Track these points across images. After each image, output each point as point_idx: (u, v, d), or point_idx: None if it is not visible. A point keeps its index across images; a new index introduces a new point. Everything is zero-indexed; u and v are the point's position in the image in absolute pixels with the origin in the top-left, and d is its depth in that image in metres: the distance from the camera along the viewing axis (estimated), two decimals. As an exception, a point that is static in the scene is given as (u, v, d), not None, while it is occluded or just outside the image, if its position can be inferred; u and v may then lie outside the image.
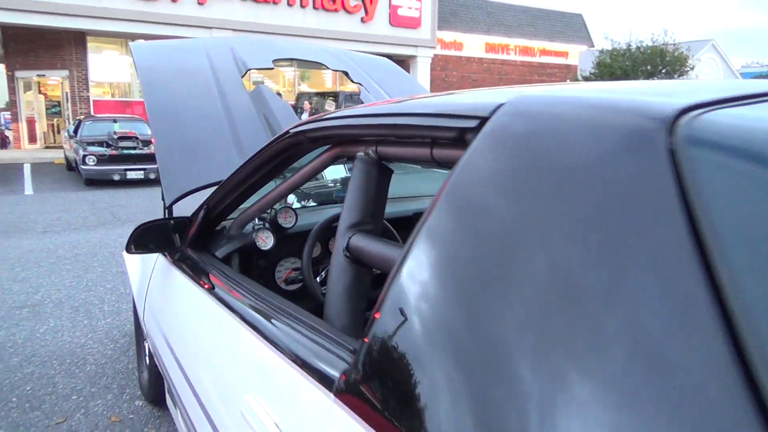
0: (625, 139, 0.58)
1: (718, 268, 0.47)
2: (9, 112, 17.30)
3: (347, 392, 0.78)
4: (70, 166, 11.87)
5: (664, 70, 23.99)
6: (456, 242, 0.70)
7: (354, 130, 1.19)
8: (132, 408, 2.48)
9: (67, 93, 16.56)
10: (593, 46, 27.98)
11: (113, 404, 2.51)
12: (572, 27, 27.45)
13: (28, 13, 13.59)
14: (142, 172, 10.20)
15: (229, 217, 1.82)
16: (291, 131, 1.36)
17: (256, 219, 1.89)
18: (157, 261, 2.01)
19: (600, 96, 0.70)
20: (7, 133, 17.96)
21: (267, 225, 1.93)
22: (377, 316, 0.76)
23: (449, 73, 23.78)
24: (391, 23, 19.30)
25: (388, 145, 1.11)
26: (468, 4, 23.48)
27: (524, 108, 0.73)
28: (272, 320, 1.14)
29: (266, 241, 1.85)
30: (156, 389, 2.37)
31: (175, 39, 3.23)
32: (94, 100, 16.71)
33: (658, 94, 0.70)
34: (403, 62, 21.10)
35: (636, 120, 0.59)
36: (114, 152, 10.24)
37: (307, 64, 3.30)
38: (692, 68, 24.63)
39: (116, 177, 10.10)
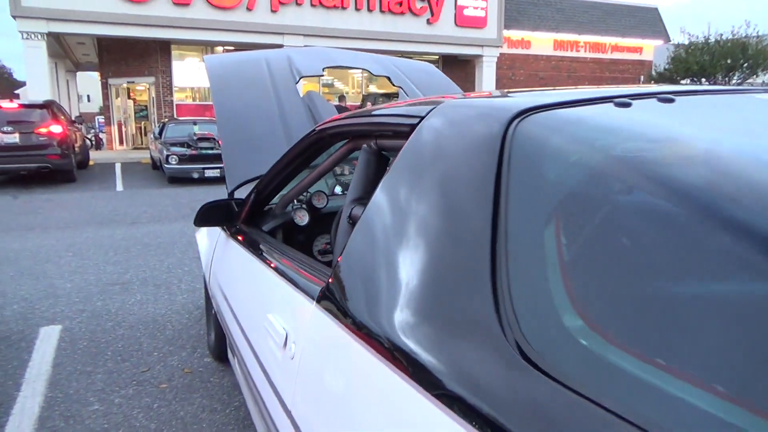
0: (475, 132, 0.92)
1: (502, 214, 0.80)
2: (103, 116, 18.92)
3: (323, 299, 1.15)
4: (155, 165, 12.94)
5: (746, 64, 22.77)
6: (392, 196, 1.06)
7: (360, 127, 1.55)
8: (201, 363, 2.97)
9: (153, 98, 17.94)
10: (669, 40, 26.89)
11: (186, 360, 3.01)
12: (647, 21, 26.49)
13: (121, 25, 14.88)
14: (219, 170, 11.01)
15: (272, 202, 2.24)
16: (317, 129, 1.75)
17: (295, 201, 2.31)
18: (219, 236, 2.46)
19: (485, 101, 1.03)
20: (101, 135, 19.65)
21: (303, 206, 2.34)
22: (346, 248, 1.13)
23: (516, 71, 23.64)
24: (456, 23, 19.46)
25: (384, 139, 1.47)
26: (536, 2, 23.23)
27: (440, 110, 1.07)
28: (295, 270, 1.53)
29: (303, 218, 2.26)
30: (220, 347, 2.83)
31: (246, 51, 3.72)
32: (176, 104, 17.99)
33: (517, 100, 1.02)
34: (469, 62, 21.22)
35: (486, 119, 0.93)
36: (194, 152, 11.11)
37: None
38: (777, 61, 23.18)
39: (195, 175, 10.96)
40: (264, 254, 1.75)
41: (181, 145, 11.40)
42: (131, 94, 19.13)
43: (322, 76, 3.49)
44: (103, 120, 19.17)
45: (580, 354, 0.65)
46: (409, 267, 0.91)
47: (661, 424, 0.55)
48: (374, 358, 0.90)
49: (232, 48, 17.87)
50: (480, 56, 20.68)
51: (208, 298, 3.00)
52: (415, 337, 0.83)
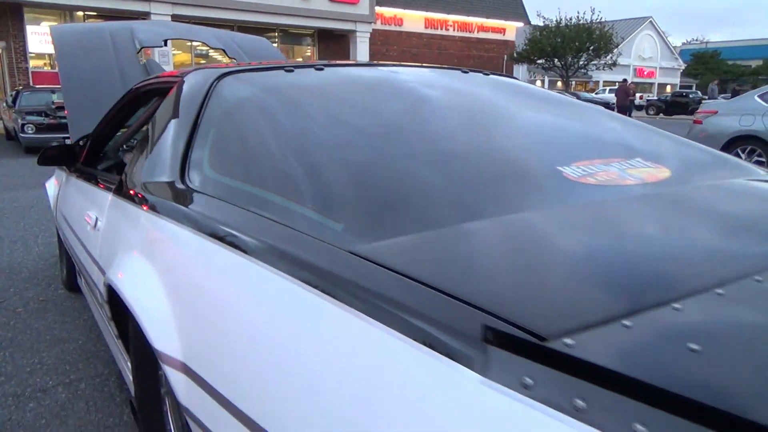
0: (198, 84, 1.60)
1: (200, 122, 1.49)
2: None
3: (116, 190, 1.79)
4: (10, 135, 12.33)
5: (591, 47, 25.50)
6: (157, 120, 1.71)
7: (158, 86, 2.16)
8: (55, 294, 3.42)
9: (5, 64, 16.71)
10: (530, 23, 29.22)
11: (41, 292, 3.45)
12: (509, 4, 28.55)
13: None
14: (81, 139, 10.81)
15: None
16: (133, 88, 2.33)
17: (124, 146, 2.86)
18: (62, 178, 2.95)
19: (215, 69, 1.71)
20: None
21: (129, 148, 2.90)
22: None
23: (390, 47, 24.62)
24: (330, -1, 19.93)
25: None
26: (407, -20, 24.23)
27: (190, 73, 1.73)
28: (106, 180, 2.12)
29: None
30: (71, 278, 3.31)
31: (94, 23, 4.14)
32: (33, 72, 16.92)
33: (229, 69, 1.70)
34: (344, 37, 21.82)
35: (204, 77, 1.61)
36: (53, 121, 10.80)
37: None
38: (617, 45, 26.17)
39: (55, 144, 10.68)
40: (90, 179, 2.32)
41: (39, 113, 11.02)
42: (-22, 60, 17.62)
43: (162, 47, 4.00)
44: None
45: (208, 181, 1.35)
46: (153, 154, 1.58)
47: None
48: (136, 208, 1.55)
49: (94, 13, 17.06)
50: (354, 31, 21.33)
51: (60, 242, 3.44)
52: (150, 189, 1.50)
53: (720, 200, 1.19)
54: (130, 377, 1.69)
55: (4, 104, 13.25)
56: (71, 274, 3.31)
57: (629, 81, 22.34)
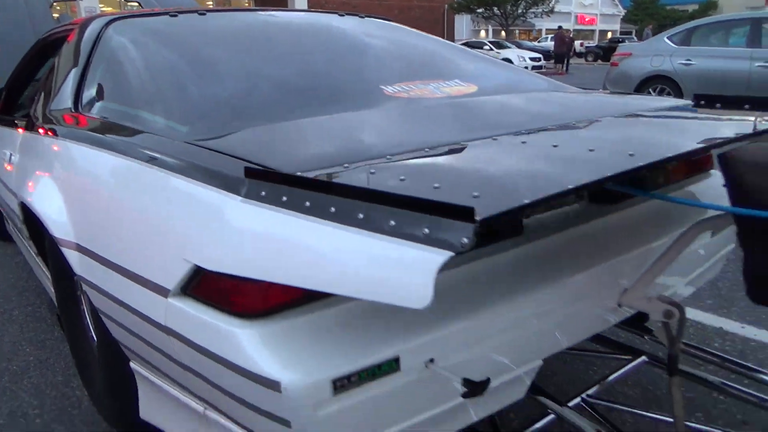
0: (92, 28, 1.83)
1: (92, 58, 1.74)
2: None
3: (27, 127, 2.01)
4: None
5: (531, -1, 25.71)
6: (60, 62, 1.94)
7: (62, 34, 2.35)
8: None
9: None
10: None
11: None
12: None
13: None
14: None
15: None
16: (40, 39, 2.50)
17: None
18: None
19: (101, 15, 1.92)
20: None
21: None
22: None
23: (330, -1, 24.25)
24: (264, -53, 19.39)
25: None
26: (344, -72, 23.69)
27: (85, 20, 1.95)
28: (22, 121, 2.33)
29: None
30: (2, 226, 3.49)
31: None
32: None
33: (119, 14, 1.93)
34: (282, -12, 21.36)
35: (98, 23, 1.84)
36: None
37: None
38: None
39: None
40: (5, 125, 2.51)
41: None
42: None
43: (83, 1, 4.10)
44: None
45: (94, 106, 1.61)
46: (54, 90, 1.81)
47: None
48: (40, 137, 1.77)
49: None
50: (291, -18, 20.90)
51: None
52: (51, 118, 1.73)
53: (503, 105, 1.54)
54: (53, 290, 1.97)
55: None
56: (0, 223, 3.48)
57: (566, 29, 22.78)
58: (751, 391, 1.59)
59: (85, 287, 1.34)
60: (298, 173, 0.91)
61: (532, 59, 21.01)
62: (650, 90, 8.26)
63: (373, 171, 0.91)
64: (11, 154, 2.09)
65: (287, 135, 1.24)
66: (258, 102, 1.44)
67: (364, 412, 0.91)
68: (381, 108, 1.46)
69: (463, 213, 0.63)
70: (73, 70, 1.76)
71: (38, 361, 2.17)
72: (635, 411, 1.60)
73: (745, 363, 1.66)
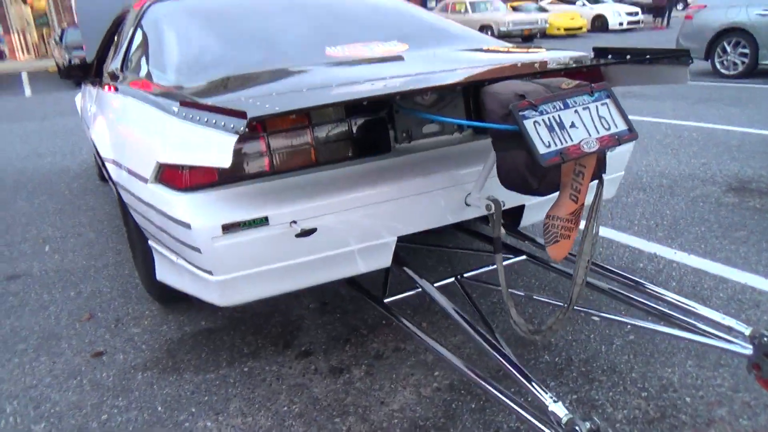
0: (135, 10, 2.51)
1: (137, 32, 2.42)
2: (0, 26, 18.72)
3: (98, 84, 2.76)
4: (60, 71, 13.63)
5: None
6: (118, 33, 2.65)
7: (126, 14, 3.07)
8: (93, 184, 4.55)
9: (51, 4, 17.88)
10: None
11: (83, 183, 4.59)
12: None
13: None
14: (121, 71, 11.95)
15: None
16: (115, 19, 3.26)
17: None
18: (84, 89, 3.97)
19: None
20: (3, 46, 19.48)
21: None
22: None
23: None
24: None
25: None
26: None
27: (140, 3, 2.64)
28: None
29: None
30: (100, 170, 4.41)
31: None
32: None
33: None
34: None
35: (142, 4, 2.51)
36: (95, 55, 11.93)
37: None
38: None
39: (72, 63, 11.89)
40: (93, 84, 3.31)
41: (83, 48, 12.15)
42: (27, 1, 18.89)
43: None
44: (1, 29, 18.98)
45: (130, 68, 2.30)
46: (110, 57, 2.52)
47: None
48: (103, 91, 2.53)
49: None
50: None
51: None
52: (107, 78, 2.46)
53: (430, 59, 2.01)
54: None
55: (53, 42, 14.50)
56: (99, 168, 4.41)
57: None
58: (621, 291, 2.01)
59: (119, 190, 2.03)
60: (194, 99, 1.51)
61: (628, 14, 19.98)
62: (725, 44, 7.92)
63: (236, 97, 1.50)
64: (90, 105, 2.88)
65: (223, 82, 1.82)
66: (215, 60, 2.03)
67: (246, 247, 1.51)
68: (316, 63, 2.00)
69: (242, 114, 1.20)
70: (123, 43, 2.46)
71: (115, 261, 2.98)
72: (498, 288, 2.05)
73: (631, 276, 2.05)
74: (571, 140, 1.35)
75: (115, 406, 1.84)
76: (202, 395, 1.87)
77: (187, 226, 1.47)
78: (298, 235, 1.54)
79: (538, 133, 1.32)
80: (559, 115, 1.37)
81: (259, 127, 1.57)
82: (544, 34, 18.43)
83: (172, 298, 2.32)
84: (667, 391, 1.77)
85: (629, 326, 2.09)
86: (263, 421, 1.73)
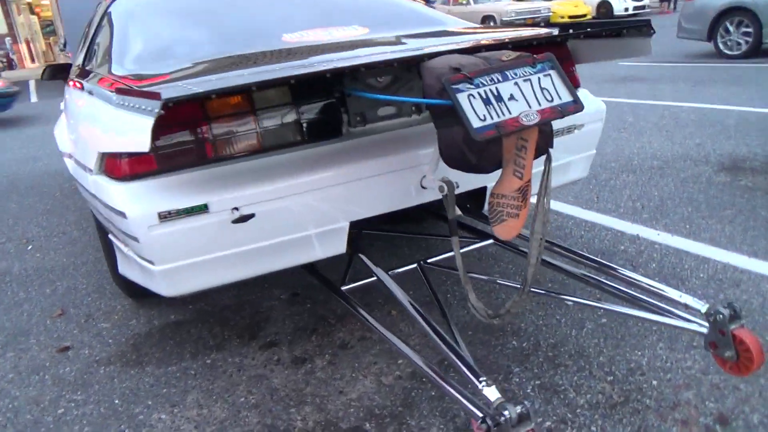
0: (102, 5, 2.49)
1: (103, 24, 2.40)
2: (9, 37, 18.95)
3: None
4: (67, 77, 13.77)
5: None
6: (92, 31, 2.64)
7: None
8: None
9: (55, 11, 18.05)
10: None
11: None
12: None
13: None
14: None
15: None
16: (92, 15, 3.25)
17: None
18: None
19: None
20: (12, 56, 19.72)
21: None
22: None
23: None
24: None
25: None
26: None
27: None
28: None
29: None
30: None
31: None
32: (81, 16, 18.20)
33: None
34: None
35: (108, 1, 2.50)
36: (98, 59, 12.03)
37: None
38: None
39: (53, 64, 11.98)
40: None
41: (86, 53, 12.27)
42: (34, 9, 19.09)
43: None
44: (11, 40, 19.21)
45: (92, 62, 2.28)
46: (77, 53, 2.50)
47: None
48: (66, 86, 2.51)
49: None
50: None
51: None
52: (72, 74, 2.44)
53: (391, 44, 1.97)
54: None
55: (59, 49, 14.64)
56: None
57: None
58: (583, 272, 1.95)
59: (77, 185, 2.01)
60: (129, 86, 1.48)
61: (634, -1, 19.67)
62: (727, 24, 7.74)
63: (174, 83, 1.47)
64: (63, 102, 2.88)
65: (174, 73, 1.79)
66: (171, 50, 2.00)
67: (186, 235, 1.47)
68: (275, 49, 1.96)
69: (156, 95, 1.16)
70: (89, 36, 2.45)
71: (95, 258, 2.97)
72: (455, 272, 1.98)
73: (596, 258, 1.99)
74: (510, 113, 1.30)
75: (73, 400, 1.82)
76: (161, 388, 1.84)
77: (123, 215, 1.45)
78: (234, 221, 1.50)
79: (472, 107, 1.27)
80: (496, 88, 1.31)
81: (200, 113, 1.53)
82: (548, 23, 18.18)
83: (138, 293, 2.30)
84: (634, 374, 1.71)
85: (602, 310, 2.02)
86: (219, 413, 1.70)
